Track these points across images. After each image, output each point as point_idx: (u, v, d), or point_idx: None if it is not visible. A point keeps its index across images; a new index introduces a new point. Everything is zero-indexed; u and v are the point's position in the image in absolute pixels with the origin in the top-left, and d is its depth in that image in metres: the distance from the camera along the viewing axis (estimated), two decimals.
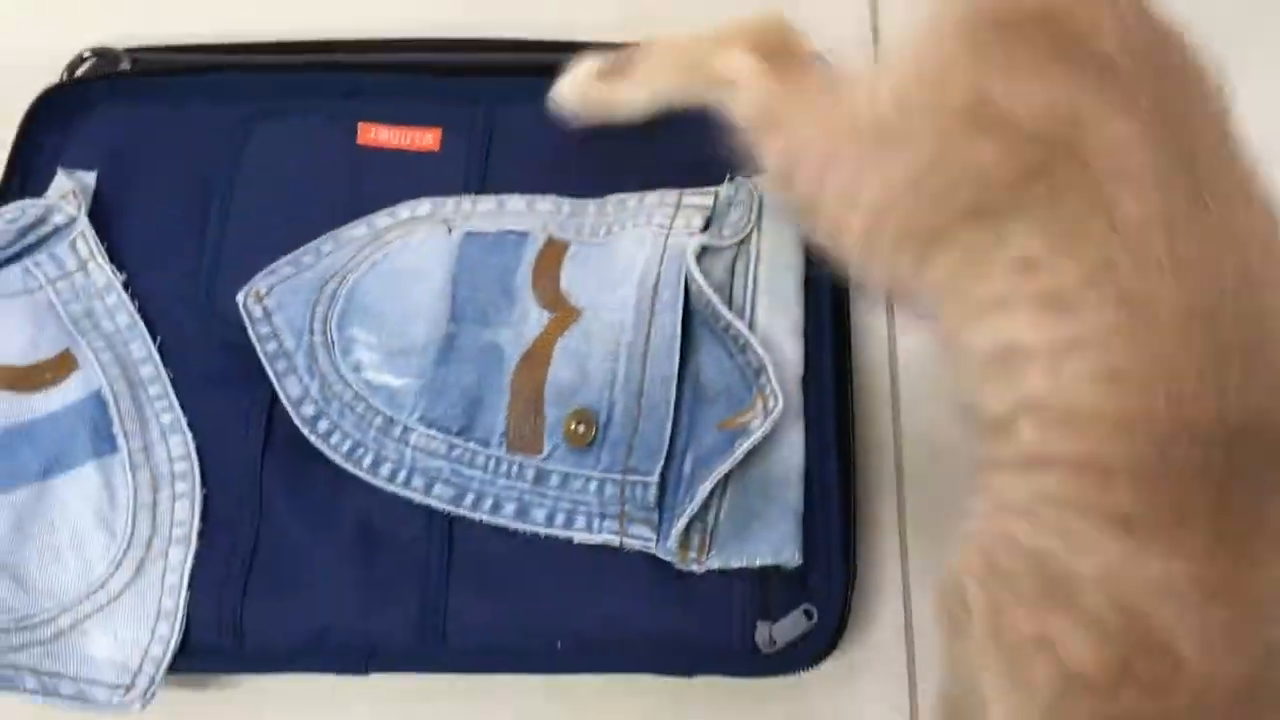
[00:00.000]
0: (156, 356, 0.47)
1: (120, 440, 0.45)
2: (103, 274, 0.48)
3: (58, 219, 0.48)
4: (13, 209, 0.47)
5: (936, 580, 0.36)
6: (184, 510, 0.44)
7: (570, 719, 0.45)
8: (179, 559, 0.44)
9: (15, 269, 0.47)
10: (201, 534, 0.45)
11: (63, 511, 0.43)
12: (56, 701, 0.42)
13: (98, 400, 0.45)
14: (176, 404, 0.46)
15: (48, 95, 0.52)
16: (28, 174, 0.51)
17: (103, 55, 0.54)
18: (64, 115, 0.52)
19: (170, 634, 0.43)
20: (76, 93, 0.52)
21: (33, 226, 0.48)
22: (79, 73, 0.54)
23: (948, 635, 0.35)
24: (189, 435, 0.46)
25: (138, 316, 0.48)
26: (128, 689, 0.42)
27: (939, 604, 0.35)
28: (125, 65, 0.54)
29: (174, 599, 0.43)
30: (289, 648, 0.43)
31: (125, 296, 0.48)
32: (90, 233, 0.48)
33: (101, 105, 0.52)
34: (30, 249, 0.48)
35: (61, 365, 0.46)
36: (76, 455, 0.44)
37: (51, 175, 0.50)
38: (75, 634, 0.42)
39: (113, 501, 0.44)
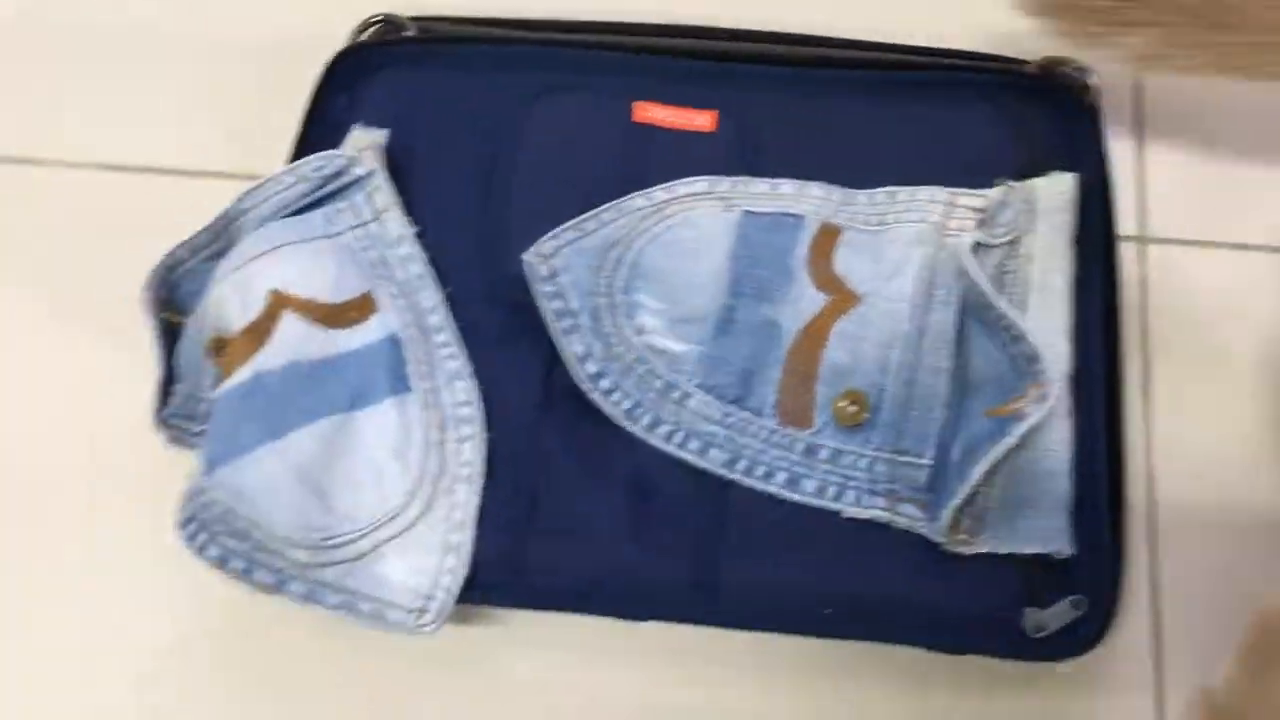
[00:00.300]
0: (443, 307, 0.50)
1: (413, 381, 0.47)
2: (396, 225, 0.51)
3: (358, 170, 0.51)
4: (318, 158, 0.50)
5: (1260, 610, 0.37)
6: (469, 452, 0.47)
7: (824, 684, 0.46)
8: (464, 497, 0.46)
9: (318, 214, 0.50)
10: (485, 475, 0.47)
11: (364, 442, 0.46)
12: (356, 619, 0.44)
13: (393, 342, 0.48)
14: (461, 353, 0.49)
15: (341, 56, 0.55)
16: (321, 130, 0.54)
17: (389, 21, 0.57)
18: (355, 76, 0.55)
19: (458, 566, 0.45)
20: (368, 55, 0.55)
21: (335, 175, 0.50)
22: (364, 37, 0.57)
23: (1257, 664, 0.35)
24: (473, 382, 0.48)
25: (429, 267, 0.50)
26: (420, 613, 0.44)
27: (1257, 633, 0.35)
28: (410, 32, 0.56)
29: (461, 534, 0.46)
30: (567, 588, 0.45)
31: (418, 248, 0.50)
32: (387, 185, 0.51)
33: (391, 68, 0.55)
34: (331, 196, 0.51)
35: (364, 306, 0.48)
36: (377, 391, 0.47)
37: (342, 132, 0.53)
38: (373, 557, 0.45)
39: (408, 438, 0.46)
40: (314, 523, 0.44)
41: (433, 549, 0.45)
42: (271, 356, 0.46)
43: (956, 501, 0.43)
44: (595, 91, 0.53)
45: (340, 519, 0.45)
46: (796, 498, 0.46)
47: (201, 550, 0.45)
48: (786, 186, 0.50)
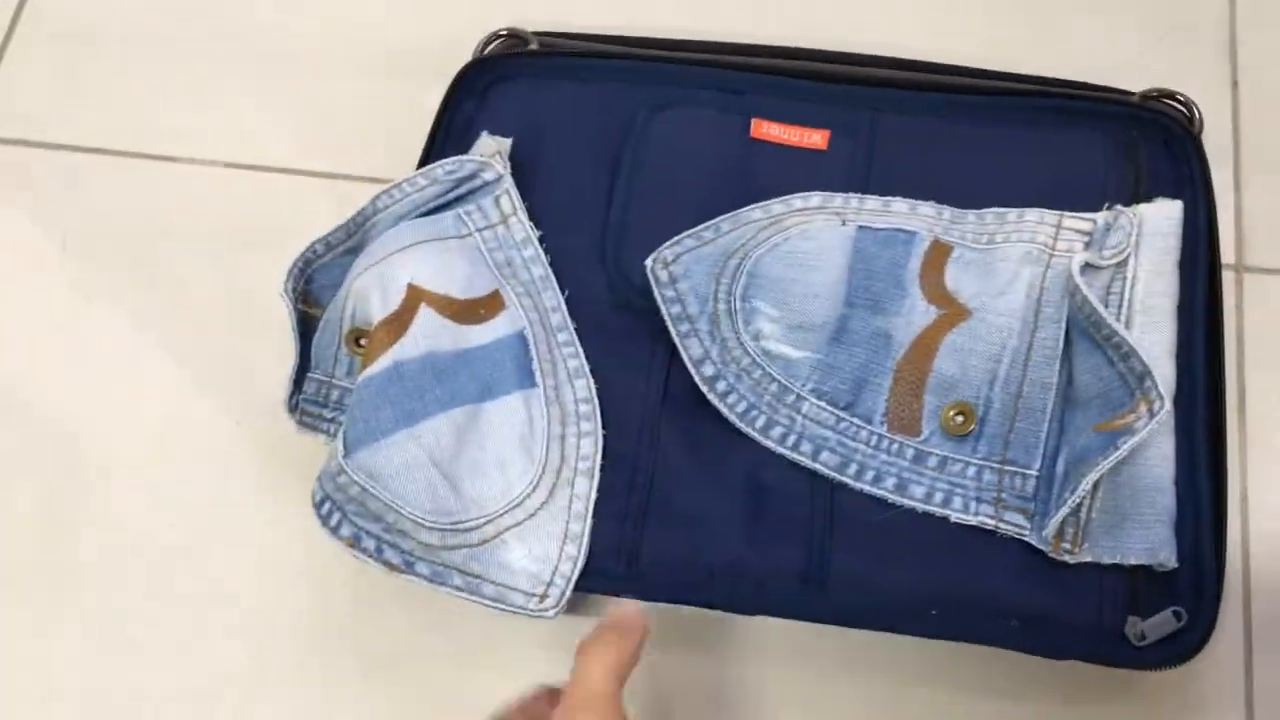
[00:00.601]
0: (564, 308, 0.52)
1: (538, 377, 0.50)
2: (522, 229, 0.53)
3: (487, 175, 0.53)
4: (451, 162, 0.53)
5: None
6: (588, 446, 0.49)
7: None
8: (584, 489, 0.48)
9: (449, 216, 0.53)
10: (603, 469, 0.49)
11: (491, 433, 0.48)
12: (479, 600, 0.46)
13: (520, 339, 0.50)
14: (581, 352, 0.51)
15: (470, 66, 0.58)
16: (449, 137, 0.57)
17: (513, 35, 0.60)
18: (484, 85, 0.58)
19: (577, 554, 0.47)
20: (495, 66, 0.58)
21: (466, 179, 0.53)
22: (489, 50, 0.60)
23: None
24: (591, 381, 0.51)
25: (550, 270, 0.53)
26: (541, 598, 0.47)
27: None
28: (534, 46, 0.59)
29: (580, 524, 0.48)
30: (680, 580, 0.47)
31: (540, 251, 0.53)
32: (514, 190, 0.53)
33: (517, 79, 0.58)
34: (461, 199, 0.54)
35: (492, 304, 0.51)
36: (505, 384, 0.49)
37: (469, 138, 0.56)
38: (496, 543, 0.47)
39: (532, 430, 0.49)
40: (444, 506, 0.47)
41: (553, 537, 0.47)
42: (410, 347, 0.48)
43: (1065, 511, 0.45)
44: (715, 107, 0.55)
45: (468, 504, 0.47)
46: (905, 502, 0.47)
47: (335, 529, 0.47)
48: (898, 204, 0.52)
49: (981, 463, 0.47)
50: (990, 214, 0.51)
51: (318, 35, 0.66)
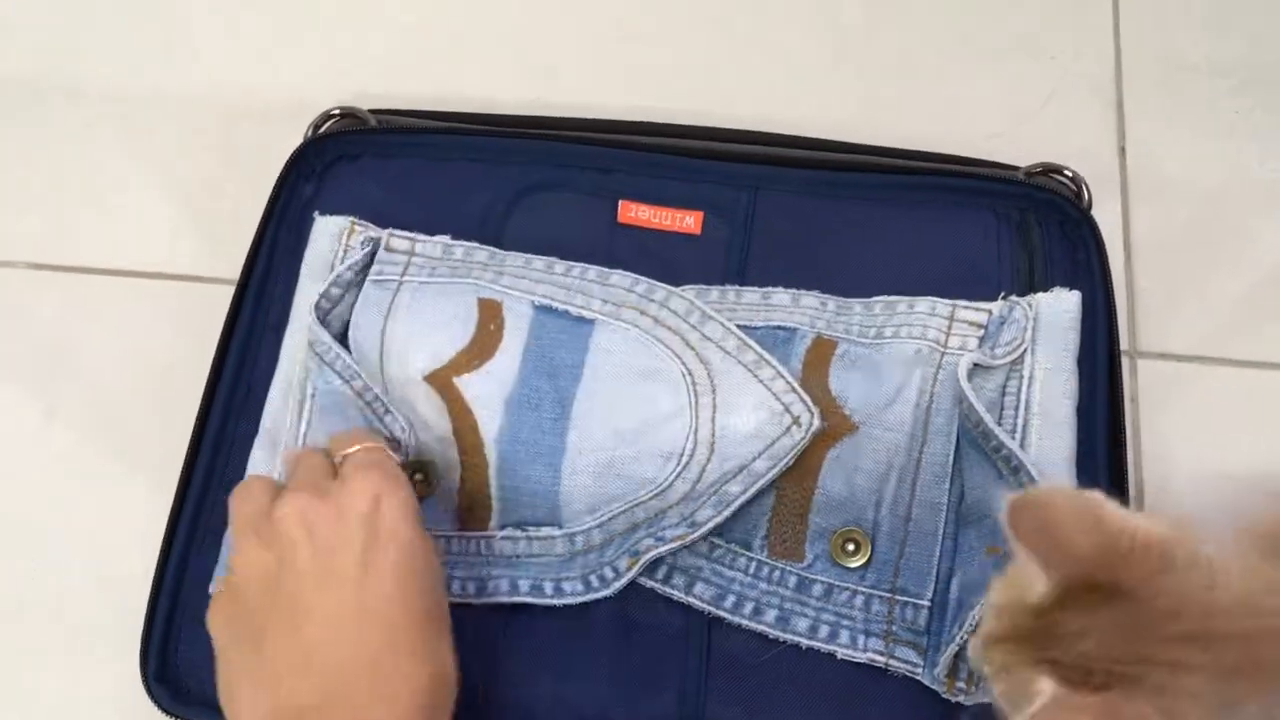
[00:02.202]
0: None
1: None
2: (434, 245, 0.49)
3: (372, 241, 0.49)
4: (358, 256, 0.48)
5: None
6: None
7: None
8: None
9: (370, 288, 0.48)
10: None
11: None
12: None
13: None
14: None
15: (307, 145, 0.52)
16: (284, 222, 0.51)
17: (349, 114, 0.54)
18: (322, 165, 0.52)
19: None
20: (335, 143, 0.52)
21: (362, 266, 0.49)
22: (323, 130, 0.54)
23: None
24: None
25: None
26: None
27: None
28: (372, 124, 0.54)
29: None
30: None
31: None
32: (395, 231, 0.50)
33: (361, 157, 0.52)
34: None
35: (491, 318, 0.47)
36: None
37: (307, 220, 0.50)
38: None
39: None
40: None
41: None
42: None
43: (952, 649, 0.41)
44: (580, 189, 0.50)
45: None
46: (788, 637, 0.43)
47: None
48: (780, 295, 0.48)
49: (870, 591, 0.43)
50: (879, 303, 0.47)
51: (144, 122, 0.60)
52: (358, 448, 0.40)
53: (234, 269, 0.51)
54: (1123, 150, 0.58)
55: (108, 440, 0.53)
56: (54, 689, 0.49)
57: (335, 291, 0.47)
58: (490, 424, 0.45)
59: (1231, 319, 0.54)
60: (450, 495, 0.45)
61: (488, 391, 0.45)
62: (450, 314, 0.46)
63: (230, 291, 0.50)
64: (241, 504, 0.39)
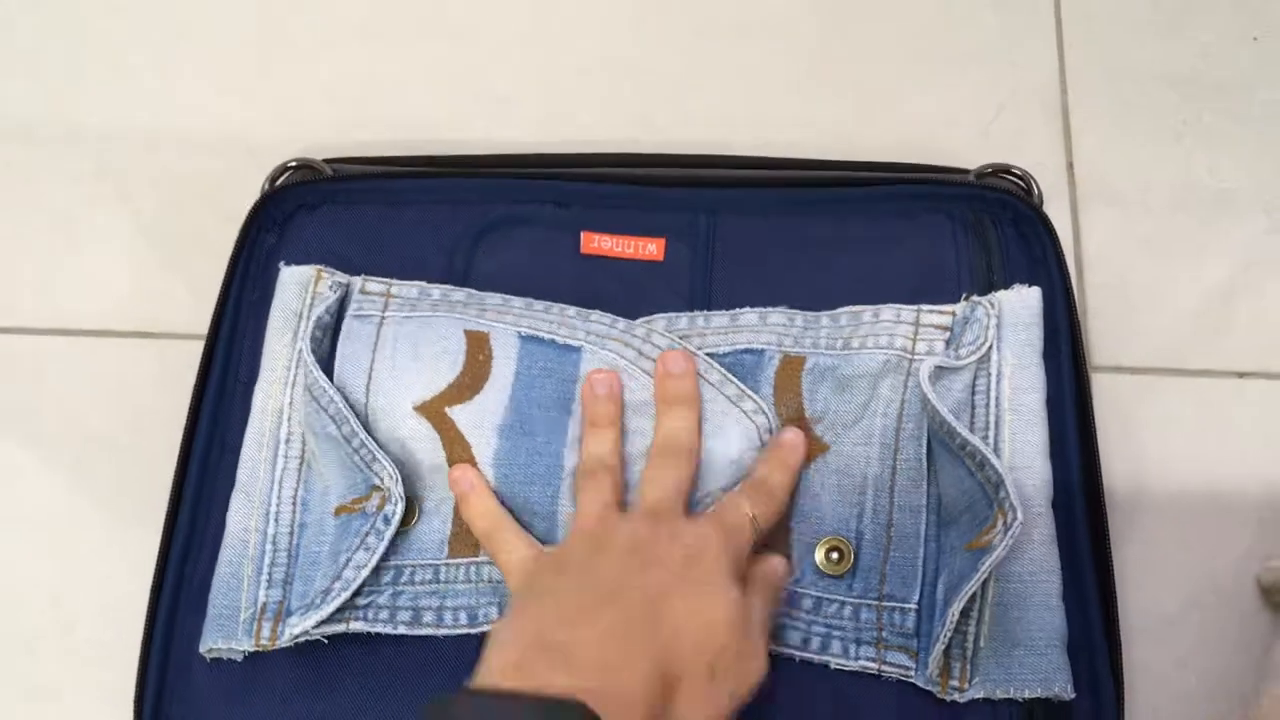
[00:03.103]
0: None
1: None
2: (410, 287, 0.50)
3: (336, 292, 0.49)
4: (322, 306, 0.48)
5: None
6: None
7: None
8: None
9: (354, 323, 0.48)
10: None
11: None
12: None
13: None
14: None
15: (267, 197, 0.52)
16: (248, 274, 0.51)
17: (305, 166, 0.54)
18: (283, 216, 0.52)
19: None
20: (294, 193, 0.52)
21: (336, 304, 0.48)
22: (280, 182, 0.54)
23: None
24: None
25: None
26: None
27: None
28: (328, 174, 0.54)
29: None
30: None
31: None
32: (363, 277, 0.50)
33: (321, 206, 0.52)
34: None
35: (479, 349, 0.47)
36: None
37: (271, 274, 0.50)
38: None
39: None
40: None
41: None
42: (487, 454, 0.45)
43: (940, 647, 0.41)
44: (541, 224, 0.51)
45: None
46: (781, 651, 0.43)
47: None
48: (748, 315, 0.48)
49: (858, 601, 0.44)
50: (844, 314, 0.48)
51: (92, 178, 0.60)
52: (728, 499, 0.44)
53: (189, 323, 0.51)
54: (1070, 165, 0.59)
55: (72, 502, 0.53)
56: None
57: (317, 334, 0.47)
58: (485, 450, 0.45)
59: (1185, 330, 0.55)
60: (440, 524, 0.45)
61: (480, 420, 0.45)
62: (439, 346, 0.46)
63: (186, 345, 0.51)
64: (589, 486, 0.43)
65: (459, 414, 0.46)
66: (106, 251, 0.58)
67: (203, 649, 0.44)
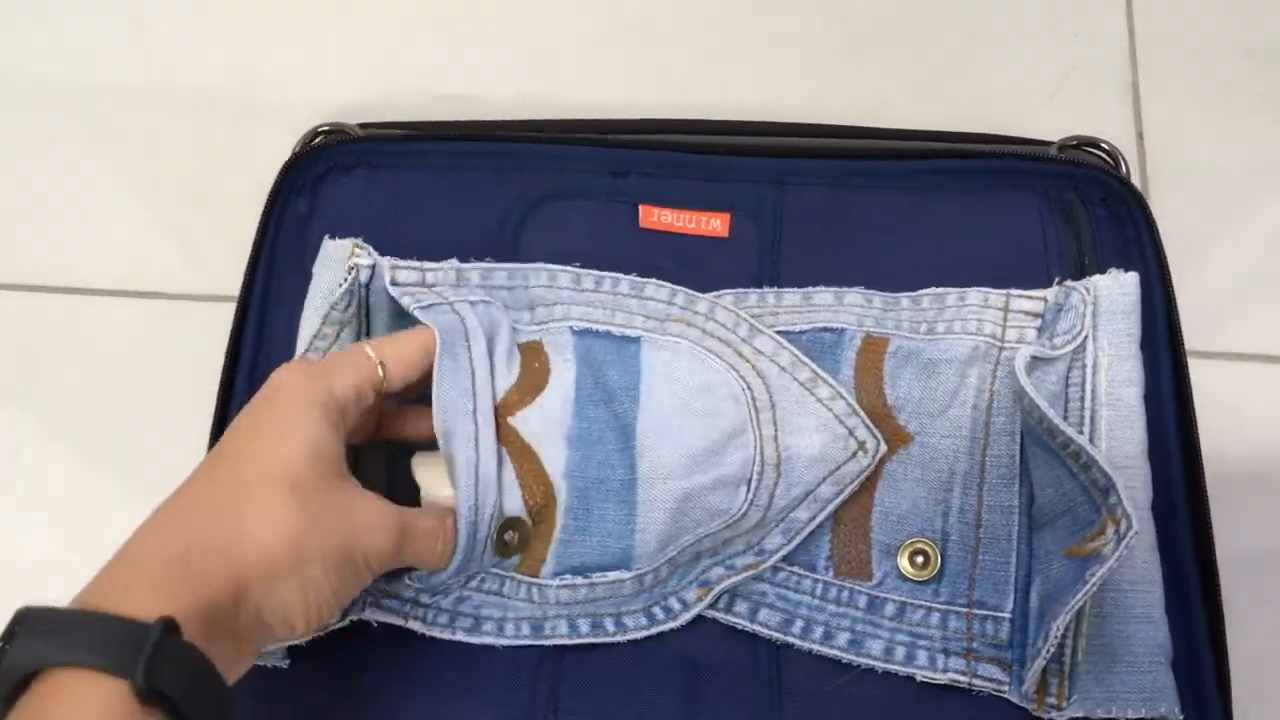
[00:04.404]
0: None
1: None
2: (447, 272, 0.45)
3: (363, 277, 0.44)
4: (339, 300, 0.43)
5: None
6: None
7: None
8: None
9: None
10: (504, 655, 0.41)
11: None
12: None
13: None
14: None
15: (298, 157, 0.49)
16: (279, 239, 0.48)
17: (337, 130, 0.50)
18: (314, 178, 0.48)
19: None
20: (327, 154, 0.49)
21: (356, 301, 0.44)
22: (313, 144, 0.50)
23: None
24: None
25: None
26: None
27: None
28: (361, 137, 0.50)
29: None
30: None
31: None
32: (398, 261, 0.45)
33: (356, 169, 0.49)
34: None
35: (535, 358, 0.44)
36: None
37: (306, 240, 0.47)
38: None
39: None
40: None
41: None
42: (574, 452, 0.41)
43: (1040, 663, 0.38)
44: (597, 195, 0.47)
45: None
46: (862, 661, 0.40)
47: None
48: (822, 295, 0.45)
49: (945, 608, 0.40)
50: (926, 296, 0.44)
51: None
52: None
53: (216, 284, 0.49)
54: (1140, 135, 0.55)
55: (90, 467, 0.50)
56: None
57: (328, 331, 0.43)
58: (556, 460, 0.41)
59: (1260, 309, 0.51)
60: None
61: (545, 428, 0.41)
62: (502, 348, 0.42)
63: (215, 308, 0.48)
64: None
65: (523, 420, 0.41)
66: (130, 213, 0.55)
67: None
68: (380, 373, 0.38)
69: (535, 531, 0.41)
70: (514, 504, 0.40)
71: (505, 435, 0.41)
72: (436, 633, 0.40)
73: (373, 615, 0.40)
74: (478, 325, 0.41)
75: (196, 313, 0.52)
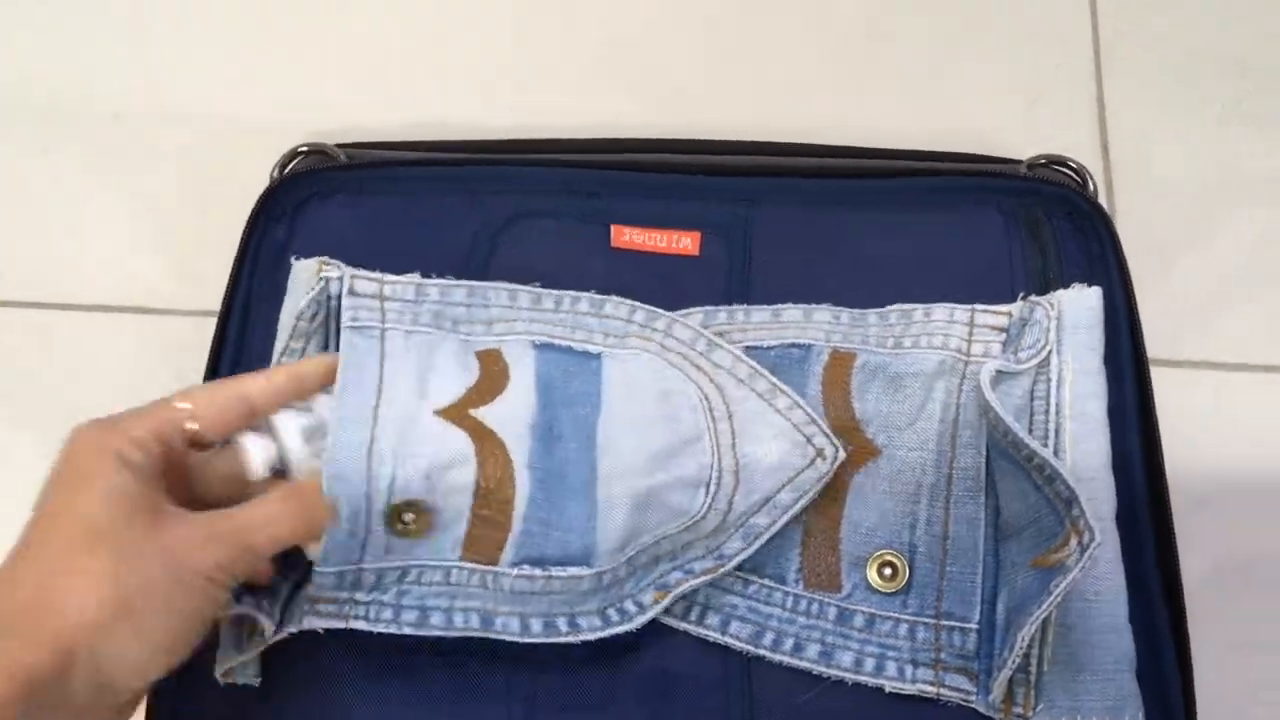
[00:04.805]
0: None
1: None
2: (406, 288, 0.46)
3: (333, 289, 0.45)
4: (306, 308, 0.44)
5: None
6: None
7: None
8: None
9: (357, 340, 0.44)
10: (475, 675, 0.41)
11: None
12: None
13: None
14: None
15: (276, 185, 0.49)
16: (257, 267, 0.48)
17: (316, 151, 0.51)
18: (293, 205, 0.49)
19: None
20: (305, 181, 0.49)
21: (324, 313, 0.45)
22: (291, 168, 0.51)
23: None
24: None
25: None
26: None
27: None
28: (342, 159, 0.51)
29: None
30: None
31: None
32: (360, 272, 0.46)
33: (333, 195, 0.49)
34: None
35: (493, 364, 0.45)
36: None
37: (282, 267, 0.47)
38: None
39: None
40: None
41: None
42: (522, 451, 0.42)
43: (1006, 673, 0.39)
44: (569, 215, 0.48)
45: None
46: (832, 673, 0.41)
47: None
48: (791, 312, 0.46)
49: (914, 619, 0.41)
50: (894, 313, 0.45)
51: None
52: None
53: (198, 300, 0.50)
54: (1105, 148, 0.56)
55: None
56: None
57: (295, 345, 0.44)
58: (519, 448, 0.42)
59: (1228, 318, 0.52)
60: (453, 522, 0.42)
61: (510, 416, 0.42)
62: (451, 361, 0.43)
63: (196, 323, 0.50)
64: None
65: (486, 414, 0.43)
66: (115, 229, 0.56)
67: (218, 671, 0.41)
68: (186, 418, 0.37)
69: (491, 519, 0.41)
70: (418, 486, 0.41)
71: (466, 423, 0.42)
72: (381, 628, 0.40)
73: (312, 623, 0.40)
74: (405, 347, 0.42)
75: (183, 326, 0.53)
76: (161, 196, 0.56)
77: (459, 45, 0.59)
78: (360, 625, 0.40)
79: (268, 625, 0.39)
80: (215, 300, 0.48)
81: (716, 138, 0.50)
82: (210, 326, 0.47)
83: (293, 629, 0.40)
